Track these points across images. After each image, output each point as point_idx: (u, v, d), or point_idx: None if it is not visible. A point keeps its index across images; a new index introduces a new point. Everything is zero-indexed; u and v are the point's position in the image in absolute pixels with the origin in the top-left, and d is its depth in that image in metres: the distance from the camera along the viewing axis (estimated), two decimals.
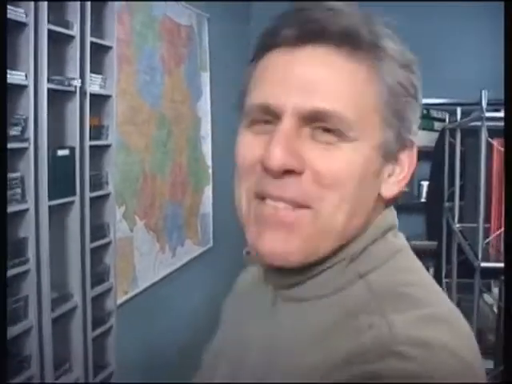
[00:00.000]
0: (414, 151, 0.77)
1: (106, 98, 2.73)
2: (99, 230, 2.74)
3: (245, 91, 0.76)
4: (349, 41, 0.69)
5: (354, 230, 0.73)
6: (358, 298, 0.69)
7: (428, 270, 3.44)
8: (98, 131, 2.69)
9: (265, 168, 0.69)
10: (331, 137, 0.68)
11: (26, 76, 2.16)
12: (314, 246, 0.71)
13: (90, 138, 2.58)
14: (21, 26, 2.13)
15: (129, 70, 3.18)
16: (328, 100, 0.67)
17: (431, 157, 4.17)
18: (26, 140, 2.17)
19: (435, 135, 4.20)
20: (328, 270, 0.73)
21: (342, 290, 0.71)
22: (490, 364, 2.47)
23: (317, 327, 0.69)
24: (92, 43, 2.54)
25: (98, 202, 2.75)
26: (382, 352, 0.60)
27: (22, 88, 2.16)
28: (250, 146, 0.73)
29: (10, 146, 2.11)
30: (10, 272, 2.12)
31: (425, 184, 4.29)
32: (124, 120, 3.15)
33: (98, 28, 2.65)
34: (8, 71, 2.09)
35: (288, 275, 0.75)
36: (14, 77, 2.11)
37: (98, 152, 2.74)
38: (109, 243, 2.81)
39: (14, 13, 2.08)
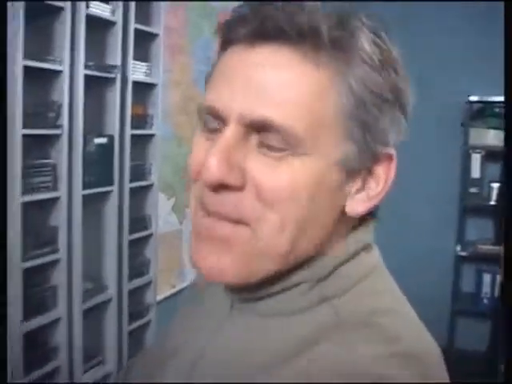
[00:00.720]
0: (392, 165, 0.66)
1: (152, 86, 2.66)
2: (140, 221, 2.68)
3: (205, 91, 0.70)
4: (310, 41, 0.60)
5: (305, 251, 0.65)
6: (323, 322, 0.63)
7: (495, 276, 3.17)
8: (142, 120, 2.63)
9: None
10: (280, 150, 0.61)
11: (61, 62, 2.11)
12: (250, 266, 0.64)
13: (133, 127, 2.53)
14: (57, 10, 2.08)
15: (183, 59, 3.11)
16: (277, 109, 0.60)
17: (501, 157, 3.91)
18: (59, 127, 2.12)
19: None
20: (291, 289, 0.67)
21: (304, 311, 0.65)
22: None
23: (275, 344, 0.64)
24: (137, 30, 2.48)
25: (140, 193, 2.69)
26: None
27: (56, 73, 2.11)
28: (199, 150, 0.66)
29: (41, 132, 2.07)
30: (39, 260, 2.09)
31: (495, 186, 4.03)
32: (177, 110, 3.09)
33: (145, 15, 2.58)
34: (42, 57, 2.06)
35: (246, 290, 0.69)
36: (47, 63, 2.06)
37: (142, 142, 2.68)
38: (150, 236, 2.74)
39: None
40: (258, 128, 0.61)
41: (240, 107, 0.61)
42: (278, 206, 0.61)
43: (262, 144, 0.62)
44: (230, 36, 0.66)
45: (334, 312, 0.64)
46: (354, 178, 0.65)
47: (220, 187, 0.62)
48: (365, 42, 0.62)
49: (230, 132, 0.62)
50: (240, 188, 0.62)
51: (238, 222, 0.63)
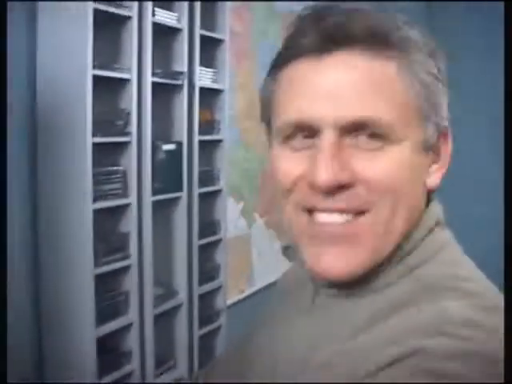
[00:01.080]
0: (449, 134, 0.74)
1: (218, 92, 2.67)
2: (209, 226, 2.69)
3: (268, 106, 0.75)
4: (375, 41, 0.66)
5: (410, 228, 0.71)
6: (408, 290, 0.67)
7: None
8: (209, 126, 2.64)
9: (313, 186, 0.67)
10: (376, 142, 0.66)
11: (128, 70, 2.14)
12: (378, 252, 0.69)
13: (200, 133, 2.54)
14: (124, 19, 2.12)
15: (247, 64, 3.12)
16: (367, 107, 0.65)
17: None
18: (128, 134, 2.15)
19: None
20: (381, 266, 0.70)
21: (391, 284, 0.69)
22: None
23: (364, 318, 0.68)
24: (202, 36, 2.49)
25: (209, 199, 2.71)
26: (428, 332, 0.59)
27: (124, 82, 2.14)
28: (289, 162, 0.71)
29: (111, 139, 2.11)
30: (111, 266, 2.13)
31: None
32: (243, 115, 3.10)
33: (210, 21, 2.60)
34: (110, 65, 2.09)
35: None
36: (115, 71, 2.10)
37: (210, 147, 2.69)
38: (219, 240, 2.75)
39: (118, 6, 2.07)
40: (353, 128, 0.66)
41: (333, 114, 0.65)
42: (389, 193, 0.66)
43: (358, 141, 0.66)
44: (293, 51, 0.69)
45: (418, 279, 0.68)
46: (429, 153, 0.71)
47: (334, 188, 0.66)
48: (414, 34, 0.68)
49: (330, 137, 0.66)
50: (352, 184, 0.66)
51: (357, 212, 0.67)
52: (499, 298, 0.66)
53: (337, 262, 0.68)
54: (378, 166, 0.66)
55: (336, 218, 0.68)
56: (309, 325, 0.76)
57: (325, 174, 0.64)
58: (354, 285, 0.71)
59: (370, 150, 0.66)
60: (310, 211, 0.69)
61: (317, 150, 0.66)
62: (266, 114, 0.76)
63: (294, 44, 0.69)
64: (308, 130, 0.68)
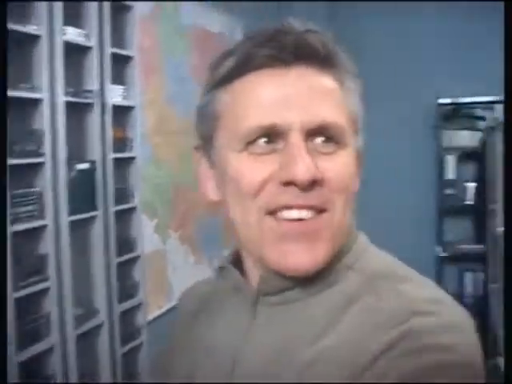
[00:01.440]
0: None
1: (129, 109, 2.68)
2: (126, 244, 2.69)
3: (217, 119, 0.78)
4: (325, 58, 0.75)
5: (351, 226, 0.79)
6: (355, 284, 0.74)
7: (477, 276, 3.28)
8: (121, 143, 2.64)
9: (291, 182, 0.71)
10: (330, 146, 0.73)
11: (40, 90, 2.12)
12: (334, 248, 0.74)
13: (113, 151, 2.54)
14: (34, 38, 2.10)
15: (156, 79, 3.14)
16: (327, 113, 0.73)
17: (475, 157, 4.03)
18: (42, 155, 2.13)
19: (479, 135, 4.04)
20: (330, 264, 0.75)
21: (335, 283, 0.75)
22: None
23: (322, 317, 0.73)
24: (112, 54, 2.50)
25: (124, 216, 2.70)
26: (403, 314, 0.65)
27: (36, 102, 2.12)
28: (253, 167, 0.74)
29: (25, 161, 2.08)
30: (30, 290, 2.09)
31: (470, 186, 4.12)
32: (154, 131, 3.11)
33: (119, 38, 2.60)
34: (21, 85, 2.07)
35: (284, 281, 0.77)
36: (27, 92, 2.08)
37: (123, 165, 2.69)
38: (137, 258, 2.75)
39: (26, 27, 2.05)
40: (315, 132, 0.72)
41: (300, 119, 0.72)
42: (342, 191, 0.73)
43: (315, 145, 0.73)
44: (250, 64, 0.74)
45: (359, 273, 0.75)
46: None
47: (310, 184, 0.70)
48: (344, 56, 0.78)
49: (298, 139, 0.71)
50: (321, 183, 0.71)
51: (319, 210, 0.72)
52: (424, 277, 0.76)
53: (303, 257, 0.72)
54: (335, 167, 0.72)
55: (304, 214, 0.72)
56: (259, 332, 0.78)
57: (305, 170, 0.69)
58: (305, 284, 0.75)
59: (326, 154, 0.73)
60: (273, 213, 0.73)
61: (287, 151, 0.71)
62: (211, 127, 0.78)
63: (250, 57, 0.74)
64: (272, 135, 0.72)
